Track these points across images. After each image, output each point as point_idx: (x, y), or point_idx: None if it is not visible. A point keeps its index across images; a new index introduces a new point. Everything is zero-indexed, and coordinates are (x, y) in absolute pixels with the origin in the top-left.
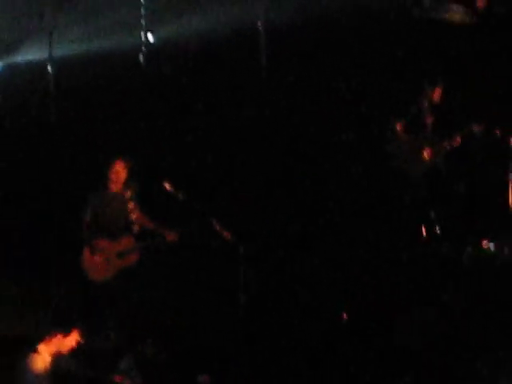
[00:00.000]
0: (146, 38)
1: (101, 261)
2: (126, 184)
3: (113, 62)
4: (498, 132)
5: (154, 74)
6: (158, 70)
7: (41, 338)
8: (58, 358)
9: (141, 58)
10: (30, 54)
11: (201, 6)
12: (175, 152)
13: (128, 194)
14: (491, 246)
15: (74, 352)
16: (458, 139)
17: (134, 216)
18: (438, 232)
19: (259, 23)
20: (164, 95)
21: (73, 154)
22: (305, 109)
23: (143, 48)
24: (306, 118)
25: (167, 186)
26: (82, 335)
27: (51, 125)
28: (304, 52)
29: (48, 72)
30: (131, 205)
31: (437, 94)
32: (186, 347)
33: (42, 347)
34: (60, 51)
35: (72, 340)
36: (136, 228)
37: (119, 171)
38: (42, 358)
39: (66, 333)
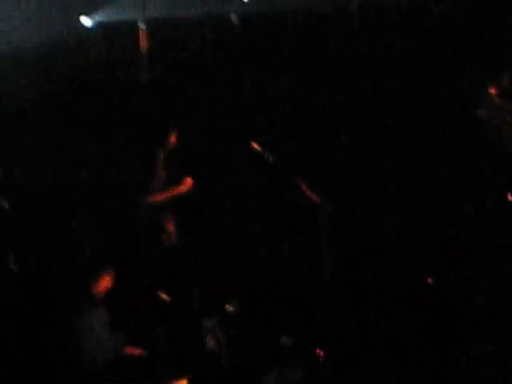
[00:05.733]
0: None
1: None
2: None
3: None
4: None
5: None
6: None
7: None
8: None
9: (233, 18)
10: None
11: None
12: (262, 112)
13: None
14: None
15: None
16: None
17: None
18: None
19: None
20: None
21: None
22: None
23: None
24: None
25: (255, 145)
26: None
27: (140, 83)
28: None
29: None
30: None
31: None
32: (271, 308)
33: None
34: (151, 11)
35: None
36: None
37: None
38: None
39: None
